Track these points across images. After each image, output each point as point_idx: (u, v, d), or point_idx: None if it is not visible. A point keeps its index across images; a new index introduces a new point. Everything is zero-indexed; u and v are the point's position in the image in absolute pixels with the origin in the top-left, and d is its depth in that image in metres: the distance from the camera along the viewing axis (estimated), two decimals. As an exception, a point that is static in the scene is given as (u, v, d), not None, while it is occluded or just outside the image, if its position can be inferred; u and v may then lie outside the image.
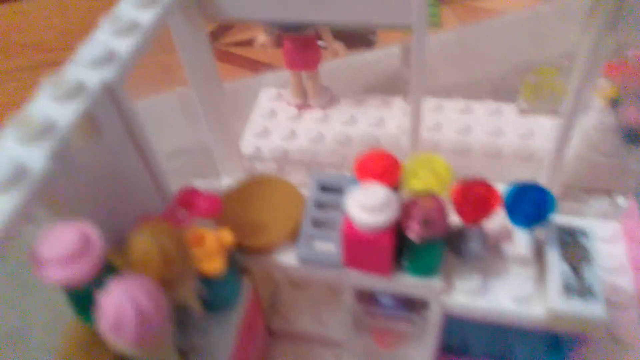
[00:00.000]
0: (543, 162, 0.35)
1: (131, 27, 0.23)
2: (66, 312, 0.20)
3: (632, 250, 0.32)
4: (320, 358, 0.29)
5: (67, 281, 0.17)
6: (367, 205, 0.22)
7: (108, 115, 0.21)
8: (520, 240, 0.24)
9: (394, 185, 0.24)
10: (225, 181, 0.38)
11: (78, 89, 0.20)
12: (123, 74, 0.22)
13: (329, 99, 0.45)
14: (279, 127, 0.43)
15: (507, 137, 0.40)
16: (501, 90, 0.46)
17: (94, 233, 0.18)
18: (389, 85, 0.48)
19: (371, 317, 0.26)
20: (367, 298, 0.26)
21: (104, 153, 0.21)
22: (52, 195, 0.19)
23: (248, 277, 0.26)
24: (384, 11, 0.27)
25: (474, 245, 0.24)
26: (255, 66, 0.55)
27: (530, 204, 0.24)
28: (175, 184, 0.27)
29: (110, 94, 0.21)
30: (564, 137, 0.31)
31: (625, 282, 0.32)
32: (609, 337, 0.29)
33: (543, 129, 0.40)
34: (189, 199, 0.24)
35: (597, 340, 0.29)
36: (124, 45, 0.22)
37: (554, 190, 0.34)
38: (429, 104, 0.43)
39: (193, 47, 0.29)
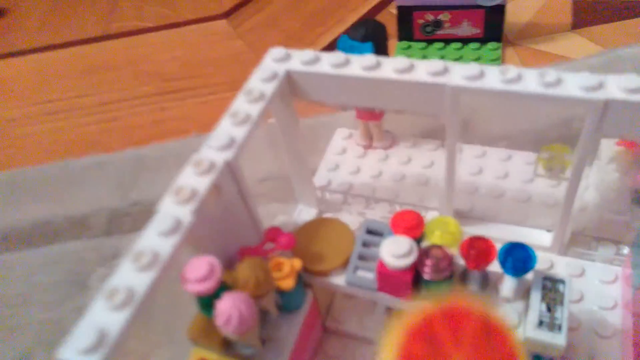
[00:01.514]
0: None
1: (245, 119, 0.34)
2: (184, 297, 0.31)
3: (625, 292, 0.39)
4: (360, 352, 0.40)
5: (200, 292, 0.29)
6: (395, 253, 0.32)
7: (227, 182, 0.33)
8: (508, 286, 0.33)
9: (418, 236, 0.34)
10: (300, 207, 0.49)
11: (210, 167, 0.32)
12: (239, 154, 0.33)
13: (391, 142, 0.54)
14: (347, 163, 0.53)
15: (537, 185, 0.48)
16: (545, 141, 0.53)
17: (216, 263, 0.29)
18: (443, 130, 0.56)
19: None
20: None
21: (221, 207, 0.33)
22: (193, 236, 0.30)
23: (310, 289, 0.37)
24: (424, 105, 0.36)
25: (473, 286, 0.34)
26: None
27: (516, 260, 0.32)
28: (261, 208, 0.37)
29: (230, 169, 0.33)
30: (569, 199, 0.38)
31: (614, 318, 0.39)
32: (589, 359, 0.37)
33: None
34: (274, 235, 0.35)
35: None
36: (240, 133, 0.34)
37: (566, 236, 0.42)
38: (475, 151, 0.52)
39: (284, 114, 0.40)
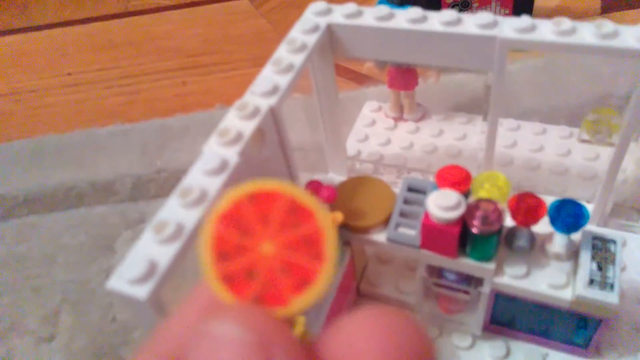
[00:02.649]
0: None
1: (288, 67, 0.33)
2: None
3: (669, 263, 0.38)
4: (397, 317, 0.39)
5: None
6: (443, 205, 0.31)
7: (270, 129, 0.32)
8: (559, 243, 0.32)
9: (465, 192, 0.33)
10: (331, 176, 0.48)
11: (255, 112, 0.31)
12: (282, 101, 0.32)
13: (422, 115, 0.53)
14: (377, 134, 0.53)
15: (574, 158, 0.47)
16: (577, 117, 0.52)
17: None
18: (474, 105, 0.55)
19: (438, 287, 0.35)
20: (435, 272, 0.35)
21: (265, 154, 0.32)
22: (238, 178, 0.30)
23: (349, 248, 0.36)
24: (472, 59, 0.35)
25: (522, 242, 0.33)
26: (362, 80, 0.65)
27: (568, 216, 0.31)
28: None
29: (274, 115, 0.32)
30: (615, 163, 0.37)
31: (658, 288, 0.38)
32: (636, 329, 0.36)
33: (607, 154, 0.46)
34: (315, 188, 0.34)
35: (624, 329, 0.36)
36: (284, 81, 0.33)
37: (607, 208, 0.41)
38: (509, 124, 0.51)
39: (322, 73, 0.40)
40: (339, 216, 0.33)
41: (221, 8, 0.85)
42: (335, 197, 0.34)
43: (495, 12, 0.68)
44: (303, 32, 0.36)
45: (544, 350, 0.36)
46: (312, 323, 0.32)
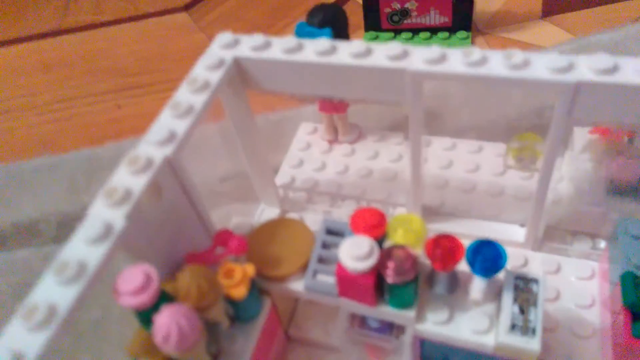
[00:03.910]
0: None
1: (188, 110, 0.31)
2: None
3: (603, 288, 0.37)
4: (325, 361, 0.37)
5: (136, 306, 0.25)
6: (355, 255, 0.29)
7: (168, 181, 0.30)
8: (478, 288, 0.30)
9: (380, 236, 0.31)
10: (263, 207, 0.46)
11: (147, 165, 0.28)
12: (180, 149, 0.30)
13: (357, 135, 0.51)
14: (312, 159, 0.51)
15: (510, 177, 0.46)
16: (517, 130, 0.51)
17: (153, 272, 0.26)
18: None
19: (362, 334, 0.34)
20: (358, 319, 0.33)
21: (164, 209, 0.30)
22: (127, 242, 0.27)
23: (268, 297, 0.34)
24: (384, 91, 0.33)
25: (440, 288, 0.31)
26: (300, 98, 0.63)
27: (485, 260, 0.30)
28: (222, 209, 0.34)
29: (171, 166, 0.29)
30: (541, 191, 0.36)
31: (592, 316, 0.37)
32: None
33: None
34: (224, 239, 0.32)
35: (555, 365, 0.35)
36: (182, 127, 0.30)
37: (540, 231, 0.40)
38: (444, 143, 0.49)
39: (236, 106, 0.37)
40: (249, 269, 0.31)
41: (158, 22, 0.82)
42: (245, 247, 0.32)
43: (434, 20, 0.66)
44: (207, 69, 0.34)
45: (477, 390, 0.35)
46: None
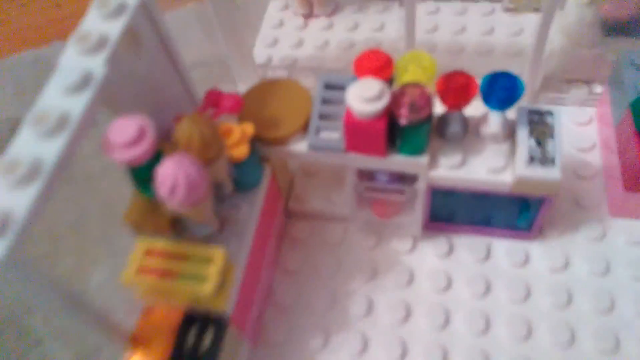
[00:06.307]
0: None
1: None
2: (118, 207, 0.26)
3: (602, 131, 0.37)
4: (330, 231, 0.35)
5: (131, 160, 0.22)
6: (364, 97, 0.27)
7: (146, 29, 0.26)
8: (495, 122, 0.29)
9: (388, 79, 0.29)
10: (241, 88, 0.42)
11: (121, 7, 0.24)
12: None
13: (334, 8, 0.48)
14: (287, 36, 0.47)
15: (498, 36, 0.44)
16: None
17: (148, 123, 0.23)
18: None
19: (370, 191, 0.32)
20: (366, 176, 0.31)
21: (144, 62, 0.26)
22: (109, 95, 0.24)
23: (268, 164, 0.32)
24: None
25: (454, 127, 0.29)
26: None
27: (502, 90, 0.28)
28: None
29: (146, 10, 0.25)
30: (543, 32, 0.34)
31: (594, 158, 0.36)
32: (575, 203, 0.35)
33: (532, 26, 0.43)
34: (215, 99, 0.29)
35: (564, 205, 0.34)
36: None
37: (537, 81, 0.38)
38: (427, 8, 0.46)
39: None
40: (248, 128, 0.28)
41: None
42: (240, 104, 0.29)
43: None
44: None
45: (487, 240, 0.34)
46: (235, 253, 0.28)
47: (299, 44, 0.46)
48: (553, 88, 0.40)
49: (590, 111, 0.38)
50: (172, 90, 0.29)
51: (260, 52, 0.46)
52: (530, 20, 0.43)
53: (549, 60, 0.40)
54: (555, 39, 0.39)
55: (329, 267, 0.34)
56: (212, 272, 0.25)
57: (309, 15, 0.48)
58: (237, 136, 0.28)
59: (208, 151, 0.24)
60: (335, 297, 0.33)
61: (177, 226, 0.27)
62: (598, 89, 0.39)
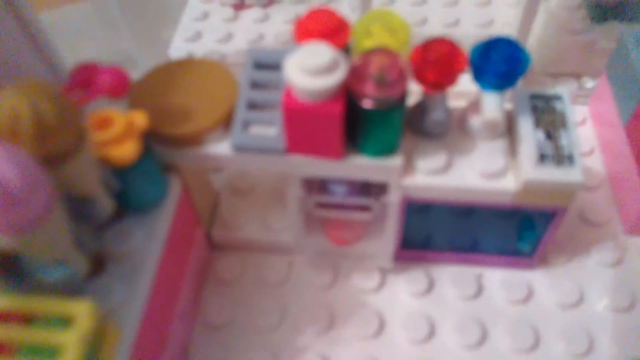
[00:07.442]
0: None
1: None
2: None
3: (600, 132, 0.30)
4: (269, 267, 0.26)
5: None
6: (311, 67, 0.18)
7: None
8: (491, 105, 0.21)
9: (342, 46, 0.20)
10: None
11: None
12: None
13: (269, -3, 0.40)
14: (213, 29, 0.38)
15: (465, 27, 0.37)
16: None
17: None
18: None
19: (323, 209, 0.23)
20: (316, 188, 0.23)
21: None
22: None
23: (176, 174, 0.22)
24: None
25: (436, 115, 0.21)
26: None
27: (501, 61, 0.20)
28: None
29: None
30: (527, 17, 0.27)
31: (595, 164, 0.29)
32: (581, 219, 0.27)
33: (504, 19, 0.37)
34: (88, 76, 0.19)
35: (568, 223, 0.27)
36: None
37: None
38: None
39: None
40: (139, 117, 0.19)
41: None
42: (124, 83, 0.19)
43: None
44: None
45: (476, 270, 0.26)
46: (122, 305, 0.18)
47: (228, 37, 0.38)
48: (536, 83, 0.33)
49: (583, 109, 0.32)
50: (20, 58, 0.19)
51: (179, 48, 0.37)
52: (502, 13, 0.37)
53: (530, 51, 0.33)
54: (537, 26, 0.33)
55: (268, 317, 0.25)
56: (71, 340, 0.15)
57: (240, 6, 0.39)
58: (120, 128, 0.18)
59: (52, 140, 0.14)
60: (278, 358, 0.24)
61: (12, 268, 0.16)
62: (589, 83, 0.33)
